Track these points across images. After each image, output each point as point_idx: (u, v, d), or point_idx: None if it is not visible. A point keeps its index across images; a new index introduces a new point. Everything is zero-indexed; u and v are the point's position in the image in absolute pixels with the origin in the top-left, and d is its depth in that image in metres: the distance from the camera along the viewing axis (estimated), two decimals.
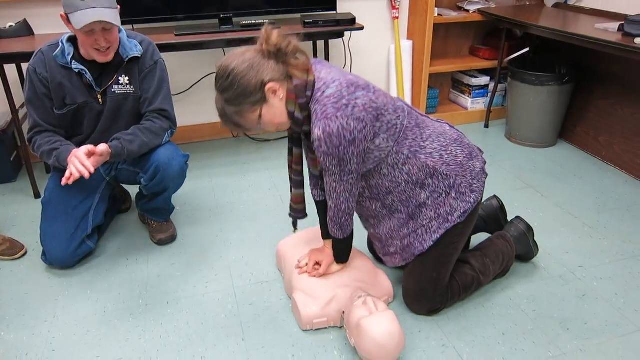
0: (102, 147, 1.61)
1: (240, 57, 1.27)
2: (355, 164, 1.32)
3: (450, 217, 1.45)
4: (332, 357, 1.44)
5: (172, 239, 1.99)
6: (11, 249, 1.91)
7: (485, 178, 1.51)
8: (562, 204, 2.22)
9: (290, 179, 1.59)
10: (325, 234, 1.62)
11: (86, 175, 1.56)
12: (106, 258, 1.91)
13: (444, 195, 1.45)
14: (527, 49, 2.81)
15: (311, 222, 2.11)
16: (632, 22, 2.08)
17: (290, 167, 1.57)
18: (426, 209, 1.46)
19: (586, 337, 1.50)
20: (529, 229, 1.76)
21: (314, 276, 1.58)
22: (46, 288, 1.75)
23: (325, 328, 1.54)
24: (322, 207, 1.60)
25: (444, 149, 1.44)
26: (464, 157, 1.46)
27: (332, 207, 1.44)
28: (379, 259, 1.82)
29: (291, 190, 1.62)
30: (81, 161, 1.57)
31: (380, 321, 1.36)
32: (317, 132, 1.26)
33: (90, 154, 1.59)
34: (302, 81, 1.30)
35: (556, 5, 2.93)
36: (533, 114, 2.71)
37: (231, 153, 2.79)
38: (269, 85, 1.27)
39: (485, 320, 1.57)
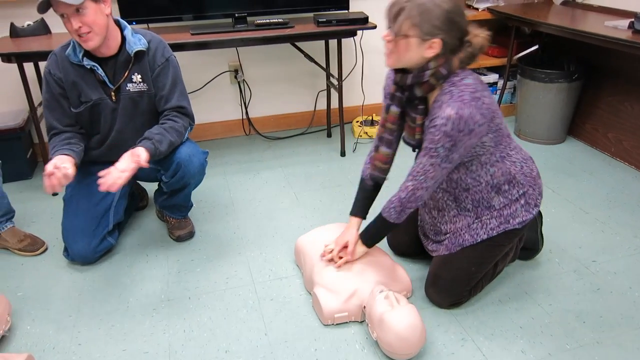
0: (143, 155, 1.60)
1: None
2: (459, 154, 1.38)
3: (511, 221, 1.52)
4: (354, 351, 1.48)
5: (190, 235, 2.02)
6: (32, 245, 1.94)
7: (542, 199, 1.60)
8: (574, 199, 2.25)
9: (381, 137, 1.59)
10: (357, 211, 1.65)
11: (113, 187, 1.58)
12: (126, 254, 1.94)
13: (514, 200, 1.52)
14: (536, 47, 2.83)
15: (330, 219, 2.14)
16: None
17: (382, 125, 1.57)
18: (492, 210, 1.53)
19: (602, 330, 1.53)
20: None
21: (341, 263, 1.60)
22: (69, 283, 1.78)
23: (346, 323, 1.57)
24: (367, 185, 1.65)
25: (524, 161, 1.53)
26: (536, 173, 1.56)
27: (409, 188, 1.46)
28: (398, 254, 1.85)
29: (376, 150, 1.61)
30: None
31: (403, 315, 1.39)
32: (449, 110, 1.30)
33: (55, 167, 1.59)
34: (454, 66, 1.35)
35: (565, 3, 2.95)
36: (542, 111, 2.74)
37: (244, 151, 2.82)
38: (435, 40, 1.29)
39: (503, 314, 1.60)
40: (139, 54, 1.74)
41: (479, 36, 1.35)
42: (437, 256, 1.63)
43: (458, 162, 1.43)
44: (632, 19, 2.20)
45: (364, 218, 1.67)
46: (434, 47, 1.31)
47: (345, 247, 1.62)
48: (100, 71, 1.71)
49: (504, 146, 1.47)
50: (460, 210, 1.56)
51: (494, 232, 1.53)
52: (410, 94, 1.41)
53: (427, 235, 1.71)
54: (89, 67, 1.69)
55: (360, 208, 1.66)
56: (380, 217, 1.56)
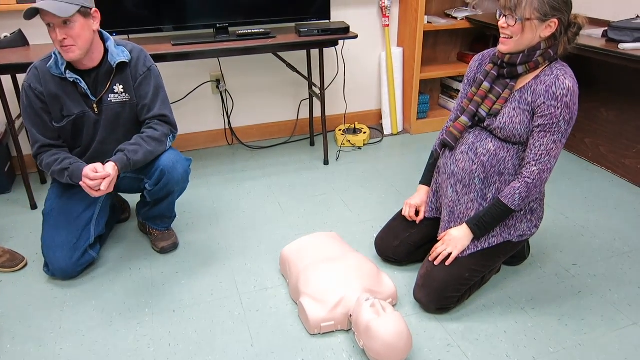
0: (110, 169, 1.62)
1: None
2: (570, 131, 1.45)
3: (512, 232, 1.57)
4: None
5: (174, 247, 2.00)
6: (11, 261, 1.89)
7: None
8: (553, 205, 2.29)
9: (463, 109, 1.60)
10: (426, 181, 1.80)
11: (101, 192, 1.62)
12: (109, 268, 1.91)
13: (522, 213, 1.57)
14: None
15: (314, 228, 2.14)
16: (615, 28, 2.17)
17: (469, 99, 1.58)
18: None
19: (584, 332, 1.56)
20: None
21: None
22: (50, 299, 1.75)
23: (333, 332, 1.57)
24: (437, 159, 1.73)
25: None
26: (544, 194, 1.62)
27: (535, 172, 1.46)
28: (386, 260, 1.87)
29: (456, 120, 1.61)
30: (90, 184, 1.61)
31: (389, 323, 1.39)
32: (568, 82, 1.39)
33: (95, 172, 1.61)
34: (560, 49, 1.46)
35: None
36: None
37: (227, 161, 2.81)
38: (553, 19, 1.38)
39: (487, 319, 1.62)
40: (121, 65, 1.73)
41: (580, 16, 1.42)
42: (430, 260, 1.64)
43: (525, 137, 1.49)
44: (606, 28, 2.26)
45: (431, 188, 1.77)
46: (551, 26, 1.39)
47: (418, 210, 1.78)
48: (83, 84, 1.69)
49: None
50: (479, 197, 1.57)
51: (495, 241, 1.56)
52: (512, 70, 1.47)
53: (442, 213, 1.71)
54: (71, 80, 1.68)
55: (429, 178, 1.78)
56: (499, 205, 1.51)
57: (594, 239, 2.03)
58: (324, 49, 2.52)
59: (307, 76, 2.78)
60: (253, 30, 2.41)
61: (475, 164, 1.56)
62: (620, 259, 1.90)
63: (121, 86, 1.74)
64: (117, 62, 1.70)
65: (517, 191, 1.49)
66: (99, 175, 1.60)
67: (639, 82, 2.38)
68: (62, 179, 1.71)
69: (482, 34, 3.18)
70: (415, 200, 1.80)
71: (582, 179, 2.52)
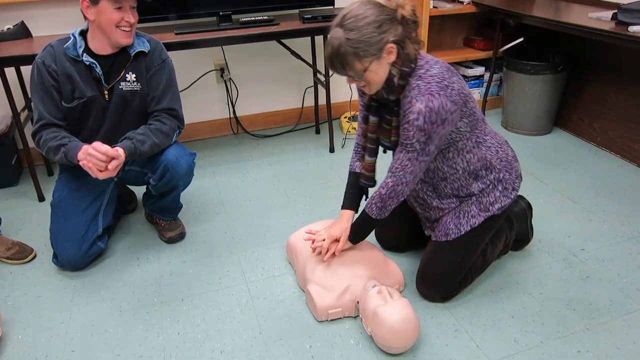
0: (119, 157, 1.60)
1: (377, 9, 1.30)
2: (435, 145, 1.39)
3: (490, 208, 1.53)
4: (349, 346, 1.48)
5: (181, 236, 2.01)
6: (20, 253, 1.91)
7: (521, 182, 1.60)
8: (561, 189, 2.27)
9: (364, 147, 1.60)
10: (348, 204, 1.66)
11: (102, 169, 1.60)
12: (117, 258, 1.92)
13: (491, 187, 1.53)
14: (521, 39, 2.85)
15: (321, 216, 2.14)
16: (625, 10, 2.13)
17: (364, 136, 1.58)
18: (472, 197, 1.54)
19: (592, 317, 1.55)
20: (529, 207, 1.81)
21: (332, 254, 1.60)
22: (60, 290, 1.76)
23: (340, 318, 1.58)
24: (356, 179, 1.66)
25: (499, 145, 1.53)
26: (512, 157, 1.57)
27: (389, 185, 1.47)
28: (387, 249, 1.86)
29: (364, 159, 1.62)
30: (98, 155, 1.57)
31: (396, 309, 1.39)
32: (418, 105, 1.32)
33: (99, 151, 1.58)
34: (413, 52, 1.36)
35: None
36: (529, 102, 2.76)
37: (233, 150, 2.81)
38: (389, 45, 1.31)
39: (495, 304, 1.62)
40: (138, 55, 1.74)
41: (404, 7, 1.32)
42: (426, 252, 1.64)
43: (435, 153, 1.44)
44: (615, 10, 2.22)
45: (356, 211, 1.67)
46: (391, 52, 1.32)
47: (337, 240, 1.63)
48: (98, 69, 1.70)
49: (479, 130, 1.48)
50: (442, 199, 1.58)
51: (477, 220, 1.53)
52: (386, 100, 1.43)
53: (423, 221, 1.73)
54: (87, 63, 1.68)
55: (350, 201, 1.66)
56: (363, 213, 1.57)
57: (603, 223, 2.01)
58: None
59: (311, 63, 2.75)
60: (256, 18, 2.40)
61: (417, 184, 1.60)
62: (629, 243, 1.89)
63: (134, 75, 1.75)
64: (136, 51, 1.73)
65: (374, 201, 1.52)
66: (107, 152, 1.58)
67: None
68: (56, 156, 1.68)
69: (489, 18, 3.13)
70: (335, 231, 1.62)
71: (591, 164, 2.50)
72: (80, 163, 1.60)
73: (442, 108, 1.31)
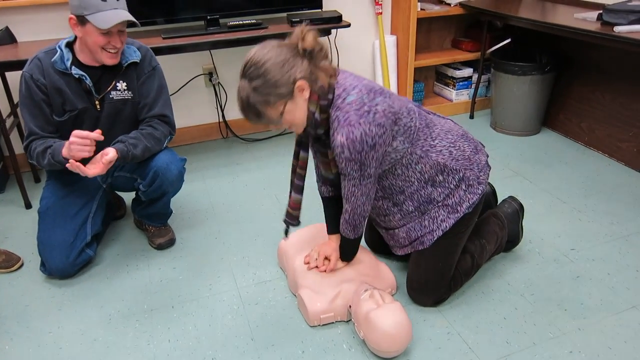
0: (112, 153, 1.59)
1: (275, 50, 1.28)
2: (374, 167, 1.36)
3: (458, 208, 1.50)
4: (342, 351, 1.47)
5: (171, 242, 1.99)
6: (7, 261, 1.88)
7: (489, 170, 1.56)
8: (551, 189, 2.29)
9: (292, 183, 1.59)
10: (332, 230, 1.65)
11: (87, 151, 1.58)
12: (106, 265, 1.90)
13: (454, 188, 1.49)
14: (508, 40, 2.87)
15: (311, 219, 2.14)
16: (610, 11, 2.15)
17: (293, 172, 1.58)
18: (435, 203, 1.51)
19: (584, 317, 1.56)
20: (522, 208, 1.81)
21: (324, 271, 1.60)
22: (47, 299, 1.74)
23: (333, 323, 1.57)
24: (330, 203, 1.63)
25: (452, 145, 1.49)
26: (471, 151, 1.52)
27: (349, 210, 1.47)
28: (378, 252, 1.86)
29: (290, 195, 1.61)
30: (81, 141, 1.55)
31: (389, 313, 1.39)
32: (339, 138, 1.29)
33: (78, 136, 1.56)
34: (327, 83, 1.33)
35: None
36: (517, 103, 2.78)
37: (222, 154, 2.79)
38: (299, 83, 1.29)
39: (487, 306, 1.62)
40: (129, 65, 1.72)
41: (305, 39, 1.29)
42: (410, 261, 1.62)
43: (379, 172, 1.42)
44: (601, 11, 2.24)
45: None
46: (303, 88, 1.30)
47: (327, 259, 1.63)
48: (88, 81, 1.68)
49: (423, 140, 1.44)
50: (404, 214, 1.54)
51: (447, 224, 1.50)
52: (317, 135, 1.41)
53: (384, 239, 1.70)
54: (77, 76, 1.66)
55: (333, 226, 1.64)
56: (341, 237, 1.57)
57: (592, 223, 2.03)
58: None
59: None
60: (244, 22, 2.39)
61: (378, 201, 1.55)
62: (618, 242, 1.90)
63: (124, 83, 1.73)
64: (128, 62, 1.71)
65: (344, 227, 1.52)
66: (92, 136, 1.55)
67: (634, 65, 2.37)
68: (44, 161, 1.66)
69: (477, 20, 3.15)
70: (326, 250, 1.64)
71: (579, 163, 2.52)
72: (67, 165, 1.57)
73: (365, 135, 1.28)
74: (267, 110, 1.31)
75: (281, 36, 2.32)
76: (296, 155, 1.56)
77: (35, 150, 1.68)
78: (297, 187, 1.59)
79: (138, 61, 1.73)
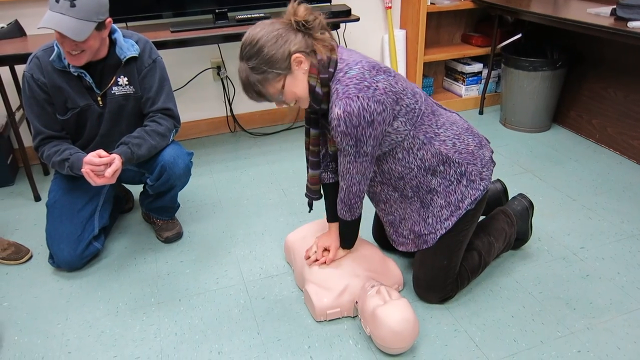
0: (116, 162, 1.59)
1: (268, 27, 1.28)
2: (371, 146, 1.34)
3: (461, 205, 1.48)
4: (348, 347, 1.47)
5: (178, 236, 1.99)
6: (16, 253, 1.89)
7: (494, 167, 1.54)
8: (560, 187, 2.26)
9: (307, 160, 1.59)
10: (331, 217, 1.64)
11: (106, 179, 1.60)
12: (114, 258, 1.91)
13: (455, 182, 1.47)
14: (519, 35, 2.84)
15: (319, 214, 2.13)
16: (624, 6, 2.12)
17: (307, 149, 1.57)
18: (437, 196, 1.49)
19: (592, 316, 1.54)
20: (531, 205, 1.79)
21: (324, 262, 1.60)
22: (56, 291, 1.75)
23: (339, 318, 1.57)
24: (330, 190, 1.62)
25: (456, 137, 1.47)
26: (475, 145, 1.50)
27: (344, 188, 1.45)
28: (385, 248, 1.85)
29: (307, 171, 1.61)
30: (96, 168, 1.58)
31: (396, 309, 1.38)
32: (337, 110, 1.27)
33: (99, 157, 1.59)
34: (326, 57, 1.32)
35: None
36: (527, 99, 2.75)
37: (230, 148, 2.79)
38: (295, 56, 1.28)
39: (494, 303, 1.61)
40: (129, 59, 1.70)
41: (298, 10, 1.28)
42: (415, 259, 1.61)
43: (376, 152, 1.40)
44: (614, 6, 2.21)
45: None
46: (301, 61, 1.29)
47: (327, 249, 1.62)
48: (87, 77, 1.66)
49: (427, 126, 1.42)
50: (404, 198, 1.53)
51: (450, 222, 1.49)
52: (321, 110, 1.40)
53: (387, 235, 1.69)
54: (76, 73, 1.65)
55: (332, 213, 1.63)
56: (339, 220, 1.56)
57: (602, 221, 2.01)
58: None
59: None
60: (252, 15, 2.38)
61: (376, 186, 1.55)
62: (629, 241, 1.88)
63: (126, 78, 1.72)
64: (127, 57, 1.68)
65: (340, 207, 1.51)
66: (104, 161, 1.58)
67: None
68: (63, 171, 1.69)
69: (487, 15, 3.12)
70: (326, 242, 1.63)
71: (589, 161, 2.49)
72: (82, 171, 1.61)
73: (363, 110, 1.26)
74: (267, 87, 1.31)
75: None
76: (307, 133, 1.54)
77: (49, 159, 1.70)
78: (312, 163, 1.58)
79: (137, 55, 1.71)
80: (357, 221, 1.55)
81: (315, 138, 1.53)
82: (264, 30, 1.27)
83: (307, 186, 1.64)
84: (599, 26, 2.13)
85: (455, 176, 1.47)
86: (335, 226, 1.63)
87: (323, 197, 1.66)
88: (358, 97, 1.26)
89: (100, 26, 1.57)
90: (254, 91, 1.32)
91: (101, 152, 1.60)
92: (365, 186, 1.45)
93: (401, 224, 1.59)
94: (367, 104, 1.27)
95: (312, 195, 1.64)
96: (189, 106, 2.85)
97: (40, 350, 1.51)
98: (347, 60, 1.33)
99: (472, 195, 1.48)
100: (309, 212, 1.74)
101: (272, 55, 1.26)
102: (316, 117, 1.49)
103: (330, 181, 1.61)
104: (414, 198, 1.51)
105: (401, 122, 1.37)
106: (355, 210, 1.51)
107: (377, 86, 1.29)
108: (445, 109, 1.53)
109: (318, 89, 1.33)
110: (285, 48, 1.27)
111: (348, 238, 1.60)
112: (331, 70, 1.32)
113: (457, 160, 1.46)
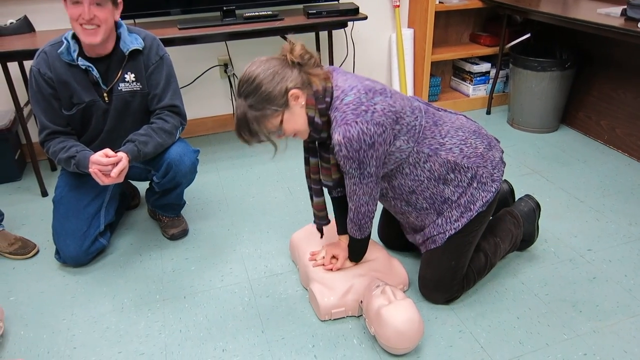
0: (123, 160, 1.60)
1: (264, 64, 1.31)
2: (374, 167, 1.35)
3: (472, 207, 1.48)
4: (352, 346, 1.47)
5: (184, 233, 2.00)
6: (23, 248, 1.91)
7: (504, 167, 1.54)
8: (568, 188, 2.25)
9: (310, 188, 1.60)
10: (341, 230, 1.65)
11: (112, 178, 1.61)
12: (120, 255, 1.91)
13: (466, 186, 1.47)
14: (528, 35, 2.82)
15: None
16: (635, 6, 2.10)
17: (308, 177, 1.59)
18: (450, 203, 1.49)
19: (599, 319, 1.53)
20: (538, 206, 1.78)
21: (330, 270, 1.60)
22: (62, 286, 1.76)
23: (343, 318, 1.57)
24: (339, 203, 1.61)
25: (463, 142, 1.46)
26: (484, 147, 1.49)
27: (352, 209, 1.46)
28: (391, 248, 1.85)
29: (312, 199, 1.62)
30: (104, 168, 1.59)
31: (400, 309, 1.38)
32: (337, 137, 1.29)
33: (106, 157, 1.60)
34: (321, 87, 1.34)
35: None
36: (535, 99, 2.73)
37: (236, 146, 2.79)
38: (292, 92, 1.30)
39: (500, 305, 1.60)
40: (134, 53, 1.70)
41: (294, 48, 1.31)
42: (422, 259, 1.61)
43: (381, 172, 1.40)
44: (625, 6, 2.19)
45: None
46: (297, 96, 1.31)
47: (335, 257, 1.63)
48: (95, 72, 1.67)
49: (431, 138, 1.43)
50: (419, 211, 1.53)
51: (460, 223, 1.48)
52: (321, 139, 1.41)
53: (408, 231, 1.69)
54: (83, 67, 1.65)
55: (343, 225, 1.64)
56: (349, 237, 1.57)
57: (610, 223, 1.99)
58: (333, 31, 2.48)
59: None
60: (260, 13, 2.37)
61: (390, 201, 1.55)
62: (637, 244, 1.86)
63: (133, 75, 1.72)
64: (130, 50, 1.68)
65: (350, 226, 1.52)
66: (111, 161, 1.59)
67: None
68: (69, 168, 1.70)
69: (496, 14, 3.10)
70: (334, 250, 1.64)
71: (598, 162, 2.47)
72: (89, 171, 1.62)
73: (362, 134, 1.27)
74: (266, 123, 1.33)
75: (297, 28, 2.32)
76: (307, 162, 1.56)
77: (55, 155, 1.70)
78: (315, 191, 1.59)
79: (141, 49, 1.70)
80: (367, 239, 1.56)
81: (315, 166, 1.54)
82: (260, 67, 1.30)
83: (314, 213, 1.65)
84: (609, 26, 2.11)
85: (467, 181, 1.47)
86: (345, 238, 1.63)
87: (333, 209, 1.66)
88: (356, 122, 1.28)
89: (116, 2, 1.62)
90: (248, 130, 1.33)
91: (108, 151, 1.60)
92: (374, 206, 1.46)
93: (416, 230, 1.60)
94: (367, 127, 1.28)
95: (320, 221, 1.65)
96: (195, 103, 2.85)
97: (45, 345, 1.52)
98: (343, 87, 1.34)
99: (483, 198, 1.48)
100: (321, 237, 1.72)
101: (269, 92, 1.28)
102: (313, 146, 1.50)
103: (339, 194, 1.61)
104: (430, 210, 1.51)
105: (403, 141, 1.38)
106: (365, 230, 1.52)
107: (375, 109, 1.30)
108: (450, 112, 1.53)
109: (317, 119, 1.35)
110: (283, 85, 1.29)
111: (357, 253, 1.61)
112: (327, 100, 1.34)
113: (466, 165, 1.45)
